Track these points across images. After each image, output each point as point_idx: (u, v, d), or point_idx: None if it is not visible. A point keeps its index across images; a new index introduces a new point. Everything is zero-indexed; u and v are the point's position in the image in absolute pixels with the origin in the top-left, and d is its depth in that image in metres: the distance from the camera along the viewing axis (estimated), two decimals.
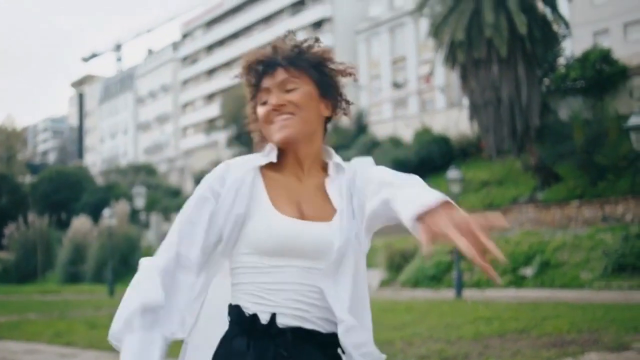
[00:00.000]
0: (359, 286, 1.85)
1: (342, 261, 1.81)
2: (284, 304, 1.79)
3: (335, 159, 1.95)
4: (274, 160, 1.90)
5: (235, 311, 1.83)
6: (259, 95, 1.94)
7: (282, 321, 1.79)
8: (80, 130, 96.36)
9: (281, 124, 1.87)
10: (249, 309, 1.81)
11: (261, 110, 1.91)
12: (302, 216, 1.85)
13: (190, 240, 1.82)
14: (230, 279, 1.89)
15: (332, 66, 1.97)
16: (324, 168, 1.96)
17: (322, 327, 1.82)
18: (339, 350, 1.84)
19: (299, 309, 1.80)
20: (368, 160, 1.97)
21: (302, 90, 1.90)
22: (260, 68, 1.94)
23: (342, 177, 1.92)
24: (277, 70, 1.91)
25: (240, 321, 1.81)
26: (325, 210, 1.87)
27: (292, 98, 1.88)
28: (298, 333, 1.78)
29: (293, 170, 1.93)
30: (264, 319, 1.79)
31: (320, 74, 1.94)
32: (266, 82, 1.92)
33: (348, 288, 1.82)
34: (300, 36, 2.01)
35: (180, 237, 1.82)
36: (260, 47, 1.99)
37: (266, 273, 1.81)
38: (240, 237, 1.84)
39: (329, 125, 2.03)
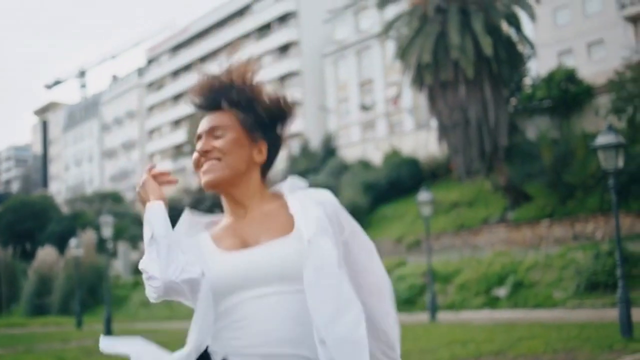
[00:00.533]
0: (341, 296, 1.75)
1: (305, 272, 1.75)
2: (249, 342, 1.76)
3: (287, 185, 1.97)
4: (209, 234, 1.94)
5: (202, 356, 1.82)
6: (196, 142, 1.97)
7: None
8: (45, 158, 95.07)
9: (205, 169, 1.91)
10: (214, 353, 1.81)
11: (193, 156, 1.96)
12: (245, 246, 1.86)
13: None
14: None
15: (264, 103, 1.97)
16: (274, 196, 1.97)
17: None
18: None
19: (266, 344, 1.76)
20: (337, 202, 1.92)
21: (229, 137, 1.91)
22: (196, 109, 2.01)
23: (305, 196, 1.89)
24: (210, 115, 1.96)
25: None
26: (274, 231, 1.86)
27: (217, 144, 1.90)
28: None
29: (235, 211, 1.94)
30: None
31: (250, 115, 1.95)
32: (199, 128, 1.96)
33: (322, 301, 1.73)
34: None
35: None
36: (199, 82, 2.02)
37: (232, 312, 1.81)
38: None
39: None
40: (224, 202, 1.96)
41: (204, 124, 1.95)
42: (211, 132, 1.93)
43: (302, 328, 1.76)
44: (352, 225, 1.91)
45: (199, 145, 1.93)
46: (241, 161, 1.92)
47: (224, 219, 1.97)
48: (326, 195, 1.91)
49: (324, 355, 1.68)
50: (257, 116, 1.96)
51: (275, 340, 1.76)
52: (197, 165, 1.94)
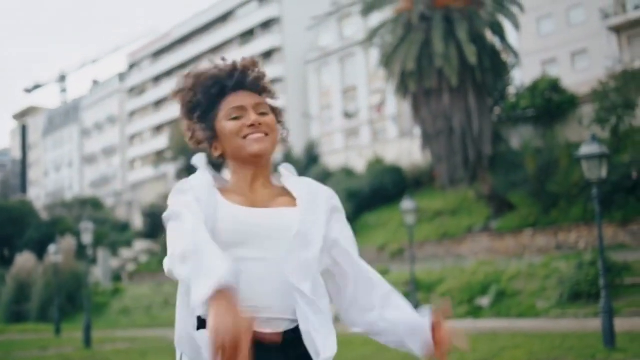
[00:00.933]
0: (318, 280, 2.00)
1: (305, 245, 1.98)
2: (246, 304, 1.83)
3: (285, 166, 2.20)
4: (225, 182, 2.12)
5: (201, 322, 1.90)
6: (228, 109, 2.10)
7: None
8: (23, 163, 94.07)
9: (256, 139, 2.06)
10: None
11: (232, 125, 2.08)
12: (254, 205, 2.03)
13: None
14: None
15: (277, 103, 2.23)
16: (276, 179, 2.18)
17: (282, 327, 1.94)
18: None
19: (261, 307, 1.91)
20: (339, 203, 2.16)
21: (271, 117, 2.12)
22: (220, 86, 2.13)
23: (303, 182, 2.14)
24: (244, 92, 2.13)
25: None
26: (280, 201, 2.06)
27: (267, 120, 2.09)
28: (257, 346, 1.81)
29: (248, 180, 2.10)
30: None
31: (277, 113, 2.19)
32: (238, 100, 2.10)
33: (311, 278, 1.97)
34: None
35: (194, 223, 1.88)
36: (212, 65, 2.18)
37: (249, 263, 1.93)
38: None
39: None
40: (241, 173, 2.12)
41: (246, 99, 2.12)
42: (256, 107, 2.12)
43: (289, 295, 1.95)
44: (345, 228, 2.15)
45: (252, 116, 2.08)
46: (277, 142, 2.15)
47: (234, 181, 2.13)
48: (330, 194, 2.15)
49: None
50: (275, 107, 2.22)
51: (266, 306, 1.92)
52: (239, 134, 2.08)
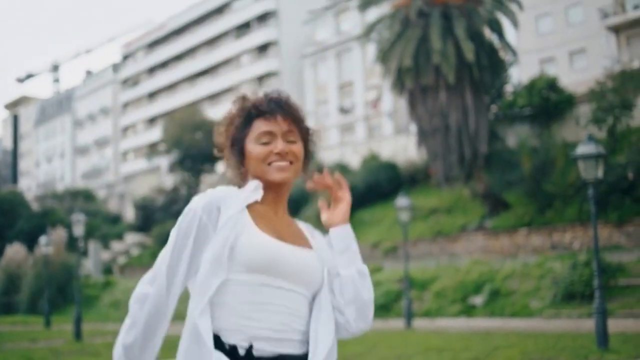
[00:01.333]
0: (331, 320, 2.14)
1: (322, 289, 2.12)
2: (267, 325, 2.01)
3: None
4: (259, 198, 2.13)
5: (218, 341, 2.00)
6: (259, 133, 2.16)
7: (259, 346, 1.99)
8: (15, 153, 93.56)
9: (280, 167, 2.13)
10: (228, 337, 2.00)
11: (260, 149, 2.14)
12: (282, 239, 2.10)
13: (175, 270, 2.05)
14: (214, 299, 2.03)
15: (311, 135, 2.28)
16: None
17: (298, 349, 2.06)
18: None
19: (280, 330, 2.03)
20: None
21: (299, 145, 2.18)
22: (257, 110, 2.19)
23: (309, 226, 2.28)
24: (278, 119, 2.16)
25: (223, 351, 1.98)
26: (301, 240, 2.16)
27: (294, 149, 2.16)
28: None
29: (271, 206, 2.17)
30: (243, 347, 1.99)
31: (306, 141, 2.25)
32: (269, 126, 2.16)
33: (326, 316, 2.11)
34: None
35: (168, 267, 2.05)
36: (259, 94, 2.26)
37: (257, 292, 2.02)
38: (232, 258, 2.02)
39: None
40: (265, 196, 2.17)
41: (277, 125, 2.17)
42: (285, 135, 2.17)
43: (302, 329, 2.09)
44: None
45: (279, 145, 2.15)
46: (300, 170, 2.23)
47: (258, 205, 2.14)
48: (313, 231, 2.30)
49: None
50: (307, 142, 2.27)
51: (292, 330, 2.06)
52: (265, 160, 2.15)
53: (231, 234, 2.02)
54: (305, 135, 2.23)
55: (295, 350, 2.06)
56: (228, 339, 2.00)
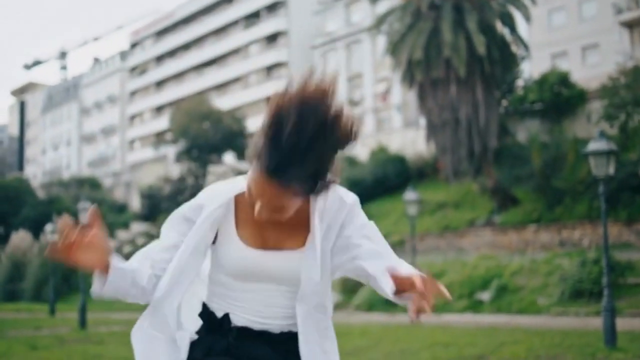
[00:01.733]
0: (326, 311, 2.15)
1: (310, 285, 2.08)
2: (244, 312, 2.14)
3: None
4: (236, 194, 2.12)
5: (202, 309, 2.21)
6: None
7: (235, 322, 2.14)
8: (21, 140, 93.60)
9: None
10: (213, 309, 2.18)
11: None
12: (264, 246, 2.11)
13: (157, 252, 2.16)
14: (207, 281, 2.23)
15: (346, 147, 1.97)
16: None
17: (275, 330, 2.15)
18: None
19: (258, 316, 2.14)
20: (356, 202, 2.14)
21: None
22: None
23: (323, 201, 2.07)
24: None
25: (203, 318, 2.19)
26: (293, 239, 2.11)
27: (285, 211, 2.00)
28: (247, 332, 2.13)
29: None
30: (220, 316, 2.16)
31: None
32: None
33: (314, 310, 2.12)
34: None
35: (151, 247, 2.19)
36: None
37: (234, 291, 2.14)
38: (213, 259, 2.17)
39: None
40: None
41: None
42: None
43: (287, 315, 2.15)
44: (369, 226, 2.14)
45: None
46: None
47: (248, 204, 2.06)
48: (351, 200, 2.13)
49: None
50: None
51: (271, 314, 2.14)
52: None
53: (210, 233, 2.10)
54: (324, 172, 1.95)
55: (277, 329, 2.16)
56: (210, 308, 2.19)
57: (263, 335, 2.14)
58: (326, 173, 1.94)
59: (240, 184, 2.10)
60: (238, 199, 2.12)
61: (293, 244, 2.10)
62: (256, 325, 2.14)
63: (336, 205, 2.08)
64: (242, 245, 2.10)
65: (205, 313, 2.20)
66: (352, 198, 2.12)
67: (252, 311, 2.14)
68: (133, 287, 2.09)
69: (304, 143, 1.83)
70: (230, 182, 2.16)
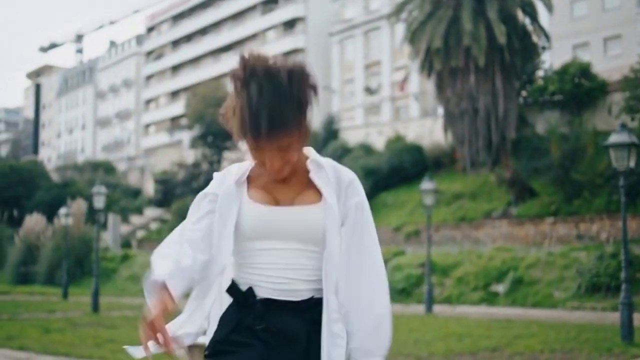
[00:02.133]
0: (351, 266, 2.18)
1: (327, 241, 2.15)
2: (268, 280, 2.17)
3: (312, 159, 2.23)
4: (245, 177, 2.25)
5: (231, 284, 2.26)
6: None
7: (260, 294, 2.18)
8: (36, 123, 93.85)
9: (277, 174, 2.17)
10: (240, 283, 2.23)
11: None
12: (276, 203, 2.19)
13: (191, 230, 2.23)
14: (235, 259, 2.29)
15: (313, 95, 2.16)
16: (303, 164, 2.23)
17: (300, 297, 2.18)
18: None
19: (281, 283, 2.16)
20: (355, 179, 2.25)
21: (294, 146, 2.13)
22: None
23: (327, 173, 2.21)
24: (262, 136, 2.10)
25: (231, 293, 2.24)
26: (304, 197, 2.19)
27: (288, 157, 2.14)
28: (271, 303, 2.17)
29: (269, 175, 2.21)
30: (245, 285, 2.21)
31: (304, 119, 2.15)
32: (257, 145, 2.14)
33: (336, 267, 2.16)
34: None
35: (185, 224, 2.26)
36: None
37: (255, 255, 2.19)
38: (237, 231, 2.21)
39: None
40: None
41: (267, 143, 2.17)
42: (278, 150, 2.19)
43: (310, 279, 2.19)
44: (362, 212, 2.24)
45: (274, 164, 2.18)
46: (297, 156, 2.20)
47: (259, 172, 2.23)
48: (350, 177, 2.24)
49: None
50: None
51: (295, 281, 2.17)
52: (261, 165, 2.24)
53: (231, 210, 2.19)
54: (302, 117, 2.13)
55: (301, 295, 2.18)
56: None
57: (287, 305, 2.18)
58: (304, 118, 2.12)
59: (247, 162, 2.28)
60: (249, 175, 2.27)
61: (305, 200, 2.19)
62: (281, 295, 2.18)
63: (332, 172, 2.22)
64: (255, 204, 2.19)
65: (233, 288, 2.26)
66: (350, 174, 2.26)
67: (277, 278, 2.18)
68: (192, 281, 2.20)
69: (269, 97, 2.04)
70: (238, 164, 2.30)
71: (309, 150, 2.27)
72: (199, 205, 2.25)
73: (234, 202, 2.20)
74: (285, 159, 2.12)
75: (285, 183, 2.21)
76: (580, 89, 29.16)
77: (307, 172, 2.22)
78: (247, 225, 2.17)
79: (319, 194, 2.19)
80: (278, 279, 2.17)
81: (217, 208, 2.21)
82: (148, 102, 72.47)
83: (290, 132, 2.09)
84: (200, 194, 2.27)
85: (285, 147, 2.10)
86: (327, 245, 2.15)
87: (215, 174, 2.30)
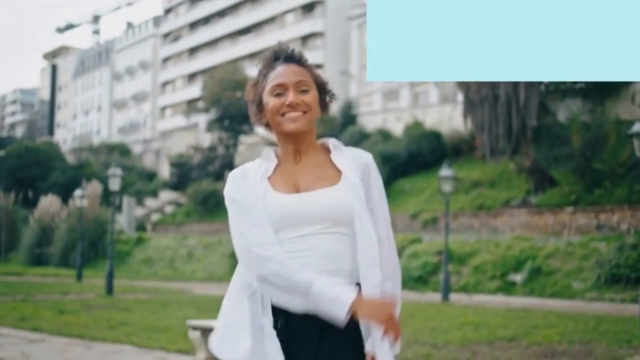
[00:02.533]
0: (372, 247, 2.27)
1: (356, 218, 2.25)
2: (308, 266, 2.23)
3: (332, 141, 2.41)
4: (273, 165, 2.36)
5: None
6: (272, 86, 2.34)
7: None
8: (52, 104, 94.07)
9: (293, 118, 2.30)
10: None
11: (274, 102, 2.33)
12: (297, 191, 2.31)
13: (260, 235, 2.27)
14: None
15: (325, 83, 2.44)
16: (322, 149, 2.40)
17: (341, 276, 2.27)
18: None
19: (320, 270, 2.23)
20: (372, 162, 2.39)
21: (312, 94, 2.35)
22: (274, 60, 2.39)
23: (346, 154, 2.36)
24: (292, 68, 2.35)
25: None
26: (324, 180, 2.31)
27: (306, 99, 2.32)
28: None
29: (291, 155, 2.37)
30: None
31: (320, 88, 2.41)
32: (282, 78, 2.33)
33: (373, 242, 2.28)
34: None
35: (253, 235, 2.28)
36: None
37: (290, 244, 2.27)
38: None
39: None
40: (284, 147, 2.37)
41: (290, 76, 2.33)
42: (297, 85, 2.32)
43: (336, 261, 2.27)
44: (380, 195, 2.37)
45: (290, 97, 2.31)
46: (316, 118, 2.37)
47: (276, 164, 2.36)
48: (367, 158, 2.37)
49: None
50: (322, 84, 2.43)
51: (331, 271, 2.24)
52: (278, 112, 2.32)
53: (258, 203, 2.26)
54: (318, 83, 2.38)
55: (343, 277, 2.25)
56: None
57: None
58: (318, 83, 2.38)
59: (258, 160, 2.40)
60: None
61: (326, 183, 2.29)
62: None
63: (351, 153, 2.36)
64: (277, 194, 2.28)
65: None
66: (367, 155, 2.39)
67: (317, 267, 2.23)
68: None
69: (287, 49, 2.38)
70: (250, 162, 2.41)
71: (329, 139, 2.43)
72: (239, 214, 2.30)
73: (261, 197, 2.28)
74: (303, 99, 2.29)
75: (303, 169, 2.33)
76: None
77: (326, 154, 2.37)
78: (273, 215, 2.25)
79: (336, 176, 2.31)
80: (320, 268, 2.23)
81: (249, 207, 2.28)
82: (164, 84, 72.33)
83: (305, 72, 2.35)
84: (231, 202, 2.32)
85: (303, 88, 2.31)
86: (358, 220, 2.25)
87: (230, 176, 2.35)
